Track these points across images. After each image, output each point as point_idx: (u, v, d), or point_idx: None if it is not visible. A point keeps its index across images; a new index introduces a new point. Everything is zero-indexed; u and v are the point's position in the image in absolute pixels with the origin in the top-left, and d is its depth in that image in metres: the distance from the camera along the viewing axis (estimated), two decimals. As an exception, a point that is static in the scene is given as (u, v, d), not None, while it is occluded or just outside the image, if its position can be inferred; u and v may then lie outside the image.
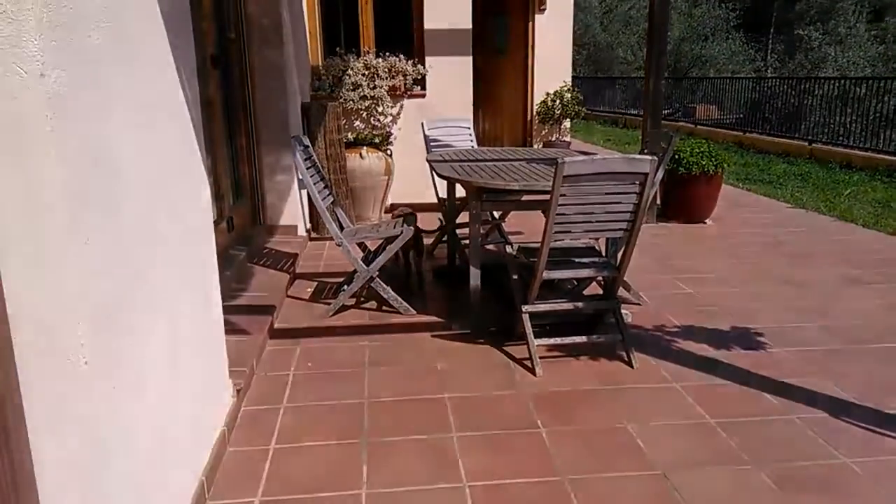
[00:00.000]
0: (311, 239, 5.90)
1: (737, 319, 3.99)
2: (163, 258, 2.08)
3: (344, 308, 4.18)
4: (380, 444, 2.70)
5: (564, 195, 3.05)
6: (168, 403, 2.07)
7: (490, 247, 5.44)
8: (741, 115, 14.52)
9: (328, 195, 4.23)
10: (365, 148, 6.36)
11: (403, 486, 2.43)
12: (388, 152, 6.62)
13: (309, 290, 4.59)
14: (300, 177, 3.92)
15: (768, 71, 20.91)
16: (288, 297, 4.42)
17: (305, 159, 4.01)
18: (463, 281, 3.91)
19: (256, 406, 3.02)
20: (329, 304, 4.18)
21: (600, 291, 3.82)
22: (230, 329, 3.38)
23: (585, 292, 4.03)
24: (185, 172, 2.35)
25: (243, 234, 4.88)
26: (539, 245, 3.21)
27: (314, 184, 4.01)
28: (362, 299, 4.37)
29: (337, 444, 2.71)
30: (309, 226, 5.94)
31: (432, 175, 5.13)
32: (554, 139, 9.36)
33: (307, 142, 4.22)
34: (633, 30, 24.07)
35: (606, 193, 3.12)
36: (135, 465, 1.79)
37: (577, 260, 3.53)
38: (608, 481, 2.46)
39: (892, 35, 19.42)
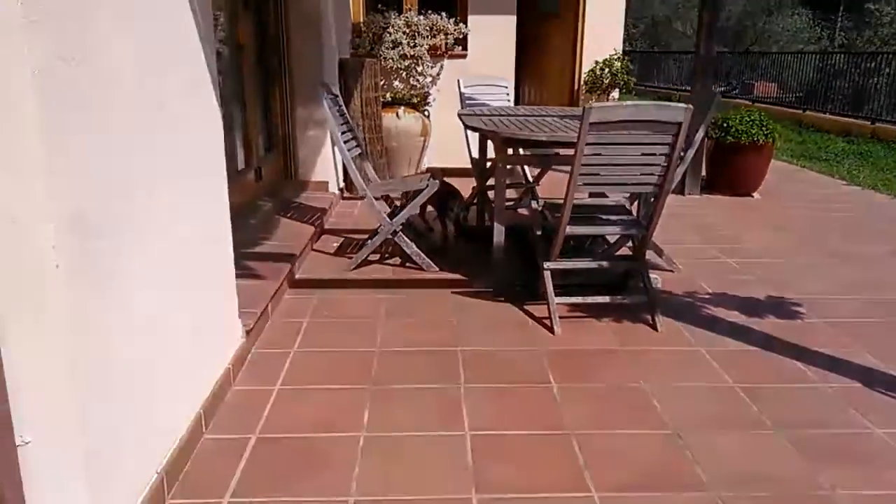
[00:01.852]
0: (344, 198, 5.86)
1: (774, 289, 3.79)
2: (163, 174, 2.03)
3: (367, 263, 4.12)
4: (385, 391, 2.64)
5: (591, 144, 2.91)
6: (164, 330, 2.04)
7: (522, 211, 5.31)
8: (801, 94, 13.92)
9: (355, 146, 4.16)
10: (402, 108, 6.27)
11: (404, 432, 2.37)
12: (426, 113, 6.52)
13: (335, 244, 4.55)
14: (331, 130, 3.84)
15: (834, 48, 19.98)
16: (313, 250, 4.38)
17: (333, 107, 3.94)
18: (490, 241, 3.80)
19: (266, 349, 2.99)
20: (354, 258, 4.13)
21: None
22: (247, 274, 3.37)
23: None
24: (192, 91, 2.30)
25: (273, 188, 4.87)
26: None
27: (341, 133, 3.93)
28: (386, 255, 4.31)
29: (342, 388, 2.66)
30: (343, 184, 5.90)
31: (465, 133, 5.03)
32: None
33: (336, 91, 4.15)
34: (692, 3, 23.26)
35: (636, 144, 2.97)
36: (121, 394, 1.76)
37: (603, 217, 3.39)
38: (617, 437, 2.35)
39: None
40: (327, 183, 5.46)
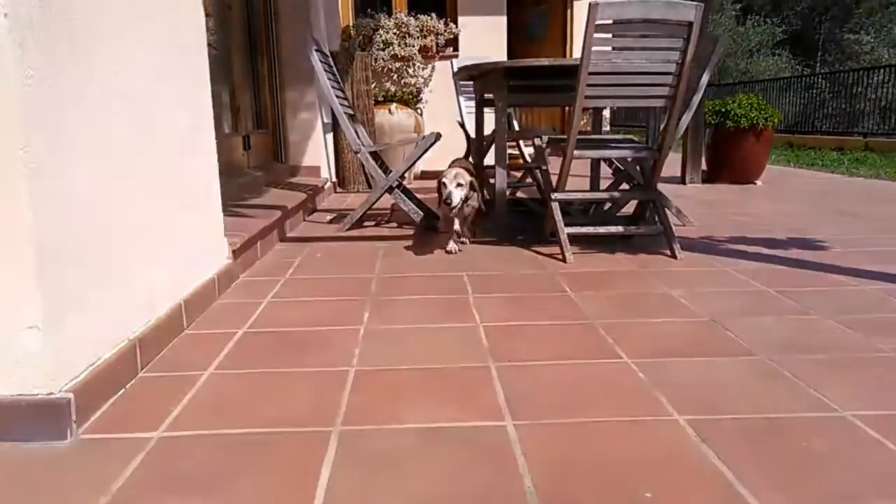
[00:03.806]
0: (336, 192, 5.68)
1: (794, 233, 3.59)
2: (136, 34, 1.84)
3: (361, 226, 3.92)
4: (387, 301, 2.39)
5: (597, 51, 2.75)
6: (139, 194, 1.82)
7: (520, 194, 5.12)
8: (792, 123, 13.99)
9: (347, 106, 3.99)
10: (394, 104, 6.16)
11: (409, 324, 2.12)
12: (419, 111, 6.41)
13: (328, 217, 4.34)
14: (321, 84, 3.67)
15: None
16: (305, 220, 4.18)
17: (323, 62, 3.79)
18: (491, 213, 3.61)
19: (256, 277, 2.76)
20: (347, 219, 3.91)
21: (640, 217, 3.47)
22: (235, 214, 3.15)
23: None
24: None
25: (262, 166, 4.67)
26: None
27: (332, 88, 3.77)
28: (383, 221, 4.10)
29: (339, 299, 2.42)
30: (335, 179, 5.72)
31: (459, 106, 4.90)
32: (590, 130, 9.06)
33: (326, 49, 4.01)
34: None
35: (645, 49, 2.81)
36: (91, 235, 1.53)
37: (612, 144, 3.21)
38: (647, 325, 2.10)
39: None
40: (319, 168, 5.28)
